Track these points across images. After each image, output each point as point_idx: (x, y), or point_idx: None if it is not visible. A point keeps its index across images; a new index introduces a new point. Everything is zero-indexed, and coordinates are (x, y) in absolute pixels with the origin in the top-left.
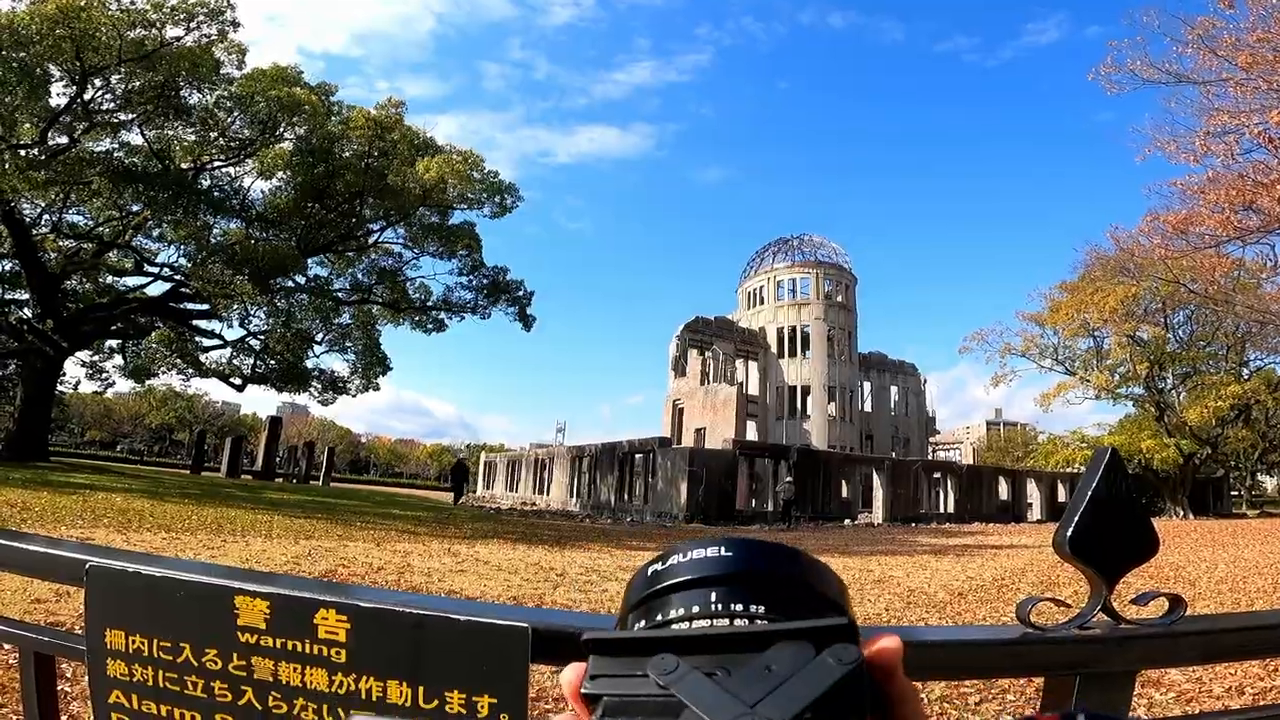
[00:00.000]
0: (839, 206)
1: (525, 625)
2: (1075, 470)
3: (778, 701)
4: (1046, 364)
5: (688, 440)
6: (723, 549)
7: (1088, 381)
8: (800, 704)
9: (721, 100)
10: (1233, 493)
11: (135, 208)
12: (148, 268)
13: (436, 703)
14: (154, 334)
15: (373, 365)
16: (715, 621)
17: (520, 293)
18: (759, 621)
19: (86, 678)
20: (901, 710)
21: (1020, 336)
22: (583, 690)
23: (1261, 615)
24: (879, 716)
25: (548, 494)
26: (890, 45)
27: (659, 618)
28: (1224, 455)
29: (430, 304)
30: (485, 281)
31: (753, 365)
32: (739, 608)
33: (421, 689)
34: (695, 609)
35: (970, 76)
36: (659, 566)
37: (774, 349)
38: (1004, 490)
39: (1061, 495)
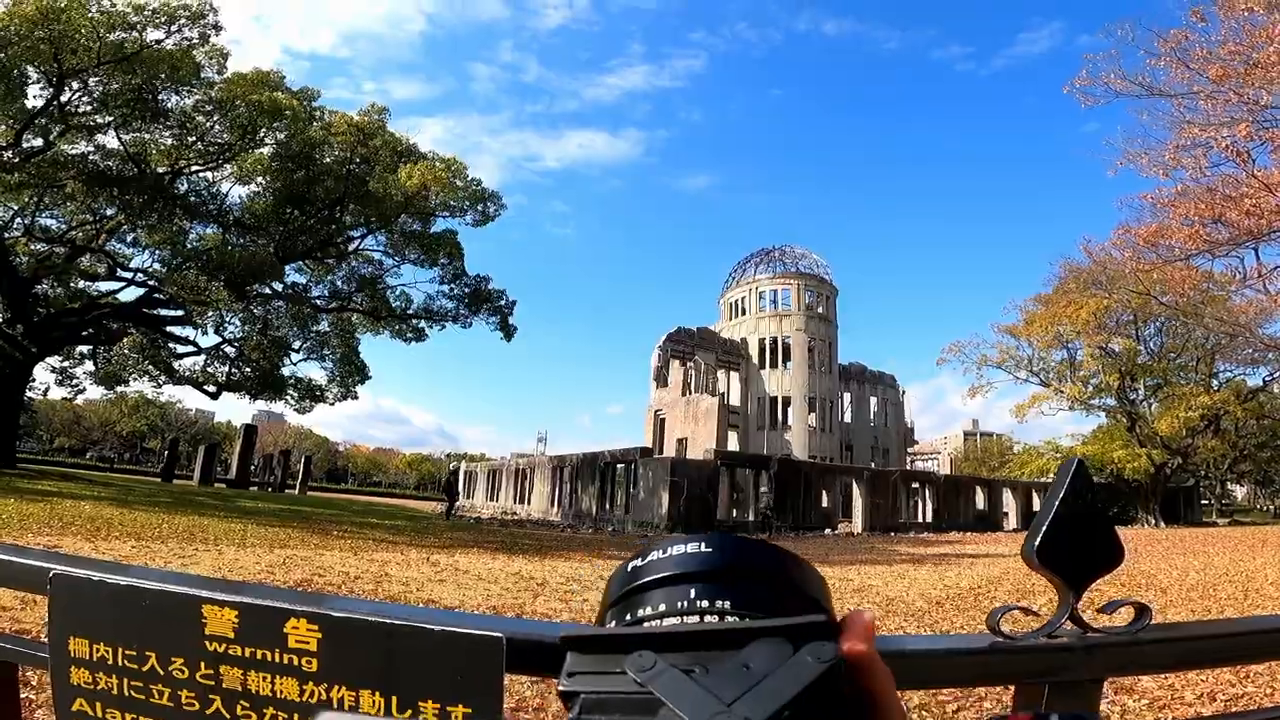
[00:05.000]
0: (823, 215)
1: (500, 635)
2: (1049, 480)
3: (755, 699)
4: (1021, 375)
5: (669, 450)
6: (703, 545)
7: (1061, 393)
8: (777, 702)
9: (713, 107)
10: (1203, 501)
11: (109, 212)
12: (121, 273)
13: (410, 713)
14: (126, 340)
15: (351, 373)
16: (693, 618)
17: (502, 302)
18: (736, 618)
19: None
20: (883, 702)
21: (996, 348)
22: (560, 688)
23: (1226, 623)
24: (858, 710)
25: (529, 504)
26: (885, 54)
27: (638, 614)
28: (1194, 465)
29: (411, 312)
30: (467, 290)
31: (734, 376)
32: (717, 604)
33: (395, 699)
34: (674, 605)
35: (962, 85)
36: (639, 563)
37: (755, 360)
38: (980, 500)
39: (1036, 504)
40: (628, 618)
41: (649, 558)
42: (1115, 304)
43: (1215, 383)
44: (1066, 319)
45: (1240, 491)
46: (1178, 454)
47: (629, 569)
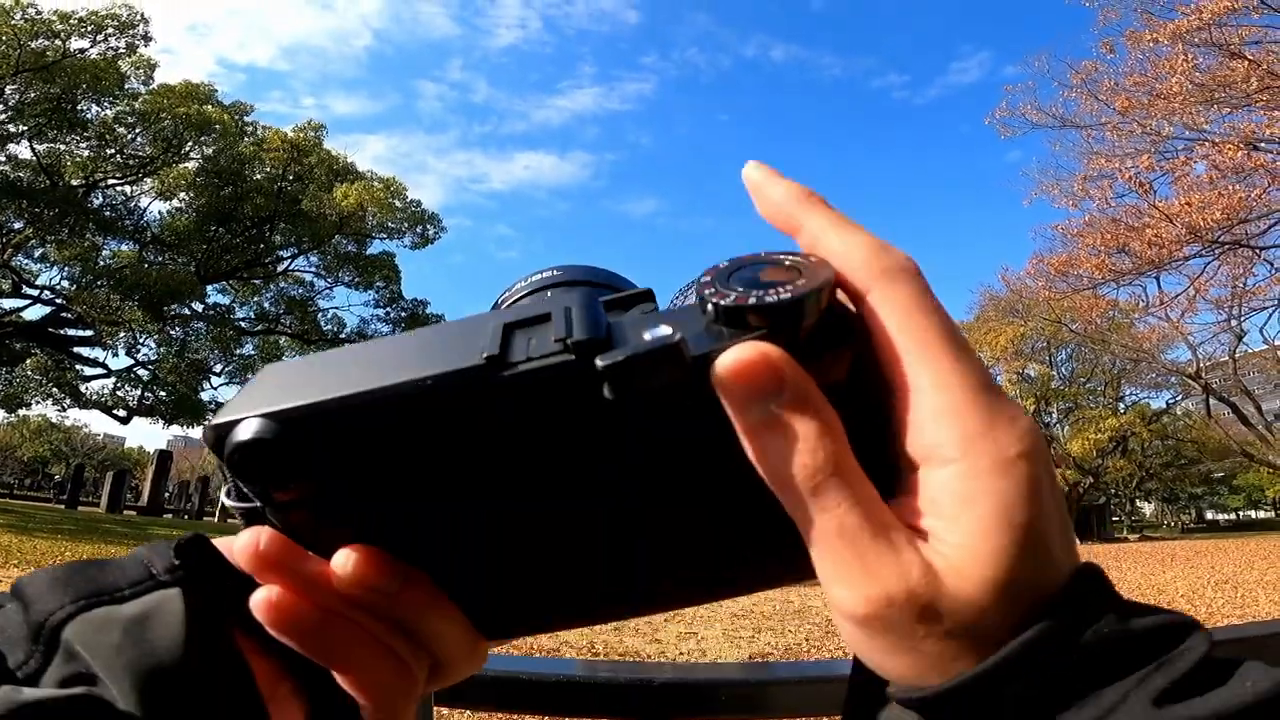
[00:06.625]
0: (767, 241)
1: None
2: None
3: None
4: None
5: None
6: (555, 270)
7: None
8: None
9: (661, 131)
10: (1114, 519)
11: (17, 225)
12: (26, 290)
13: None
14: (29, 361)
15: None
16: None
17: None
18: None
19: None
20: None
21: None
22: None
23: None
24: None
25: None
26: (829, 81)
27: None
28: (1105, 484)
29: (343, 336)
30: (403, 314)
31: None
32: (568, 299)
33: None
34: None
35: (899, 114)
36: (506, 294)
37: None
38: None
39: None
40: None
41: (514, 287)
42: (1030, 331)
43: (1122, 406)
44: (987, 345)
45: (1149, 509)
46: (1089, 474)
47: (500, 298)
